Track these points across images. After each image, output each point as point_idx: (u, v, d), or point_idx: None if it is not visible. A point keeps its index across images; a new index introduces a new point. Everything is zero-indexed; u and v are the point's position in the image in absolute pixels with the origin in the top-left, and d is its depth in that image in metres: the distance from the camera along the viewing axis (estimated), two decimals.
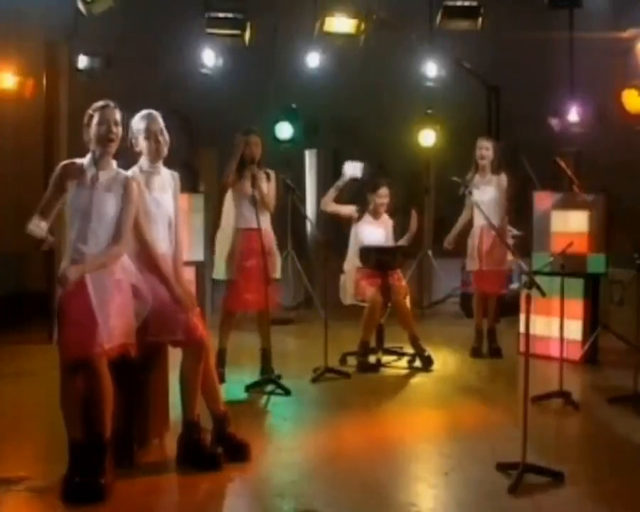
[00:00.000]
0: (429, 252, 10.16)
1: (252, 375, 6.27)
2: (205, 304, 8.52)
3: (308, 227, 9.98)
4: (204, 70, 8.76)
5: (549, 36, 9.14)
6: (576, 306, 6.83)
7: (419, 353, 6.80)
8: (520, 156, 6.91)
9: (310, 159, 10.50)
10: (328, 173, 10.49)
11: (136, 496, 3.98)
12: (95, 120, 4.10)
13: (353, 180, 7.02)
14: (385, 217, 7.13)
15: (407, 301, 7.00)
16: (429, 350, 6.88)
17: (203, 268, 8.71)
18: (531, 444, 4.12)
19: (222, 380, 6.15)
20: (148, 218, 4.41)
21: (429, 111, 9.67)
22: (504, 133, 9.52)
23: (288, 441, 4.93)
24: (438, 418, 5.59)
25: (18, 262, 8.82)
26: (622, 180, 8.24)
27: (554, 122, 9.29)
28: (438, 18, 8.39)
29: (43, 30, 8.29)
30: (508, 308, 7.89)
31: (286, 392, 5.88)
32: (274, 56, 9.27)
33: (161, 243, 4.46)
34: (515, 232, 7.27)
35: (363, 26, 8.50)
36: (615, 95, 8.39)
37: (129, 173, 4.38)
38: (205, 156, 9.72)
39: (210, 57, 8.72)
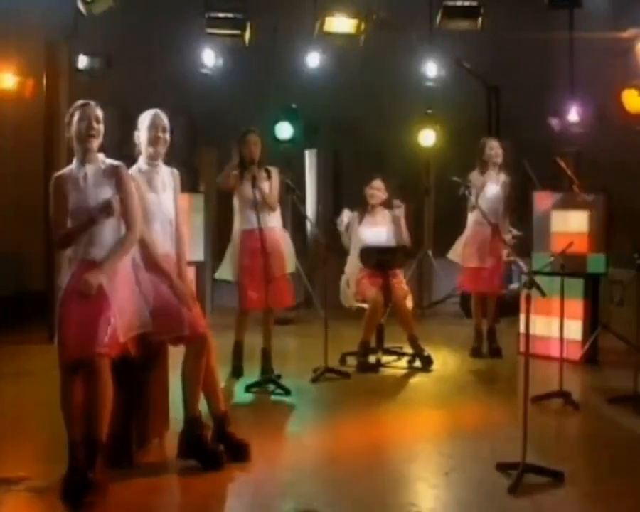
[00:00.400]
0: (429, 252, 10.16)
1: (252, 375, 6.27)
2: (205, 303, 8.52)
3: (308, 227, 9.97)
4: (204, 70, 8.76)
5: (549, 36, 9.15)
6: (576, 306, 6.83)
7: (419, 353, 6.80)
8: (520, 156, 6.91)
9: (310, 159, 10.49)
10: (328, 173, 10.51)
11: (136, 496, 3.99)
12: (76, 117, 4.11)
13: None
14: (384, 214, 7.07)
15: (409, 301, 6.99)
16: (429, 350, 6.87)
17: (203, 268, 8.72)
18: (531, 444, 4.12)
19: (240, 373, 6.32)
20: (147, 218, 4.41)
21: (429, 111, 9.67)
22: (504, 133, 9.51)
23: (288, 441, 4.93)
24: (438, 418, 5.59)
25: (18, 262, 8.83)
26: (622, 180, 8.24)
27: (554, 122, 9.29)
28: (438, 18, 8.39)
29: (43, 30, 8.29)
30: (508, 308, 7.89)
31: (286, 392, 5.88)
32: (274, 56, 9.28)
33: (162, 243, 4.47)
34: (515, 232, 7.27)
35: (363, 26, 8.51)
36: (615, 95, 8.40)
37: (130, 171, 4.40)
38: (205, 156, 9.73)
39: (210, 57, 8.73)
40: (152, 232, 4.46)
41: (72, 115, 4.14)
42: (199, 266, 8.55)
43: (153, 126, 4.50)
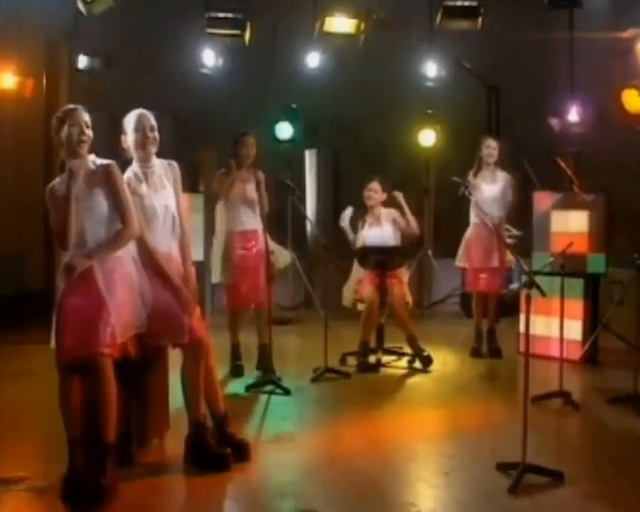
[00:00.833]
0: (429, 252, 10.16)
1: (252, 375, 6.28)
2: (205, 303, 8.51)
3: (308, 227, 9.98)
4: (204, 70, 8.76)
5: (549, 36, 9.15)
6: (576, 306, 6.83)
7: (418, 353, 6.80)
8: (520, 156, 6.91)
9: (310, 159, 10.50)
10: (328, 173, 10.51)
11: (136, 496, 3.99)
12: (67, 123, 4.07)
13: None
14: (384, 214, 7.08)
15: (409, 298, 6.99)
16: (429, 350, 6.87)
17: (202, 268, 8.71)
18: (531, 444, 4.12)
19: (241, 373, 6.40)
20: (148, 219, 4.39)
21: (429, 111, 9.67)
22: (504, 133, 9.51)
23: (288, 441, 4.93)
24: (438, 418, 5.59)
25: (18, 262, 8.83)
26: (622, 180, 8.24)
27: (554, 122, 9.29)
28: (438, 18, 8.39)
29: (43, 30, 8.29)
30: (508, 308, 7.89)
31: (286, 392, 5.88)
32: (274, 56, 9.28)
33: (163, 242, 4.42)
34: (514, 232, 7.26)
35: (362, 26, 8.51)
36: (615, 95, 8.39)
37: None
38: (205, 156, 9.72)
39: (210, 57, 8.73)
40: (154, 231, 4.41)
41: (61, 120, 4.09)
42: (199, 266, 8.53)
43: (140, 127, 4.41)
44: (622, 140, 8.42)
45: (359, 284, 6.91)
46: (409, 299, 7.02)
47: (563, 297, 5.71)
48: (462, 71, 9.81)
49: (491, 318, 7.37)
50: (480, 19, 8.27)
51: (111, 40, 8.70)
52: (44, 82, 8.00)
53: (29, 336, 7.53)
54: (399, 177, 10.07)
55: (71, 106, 4.17)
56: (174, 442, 4.55)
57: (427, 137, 9.67)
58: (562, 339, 5.74)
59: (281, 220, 9.08)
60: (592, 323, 6.99)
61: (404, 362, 6.96)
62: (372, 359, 6.88)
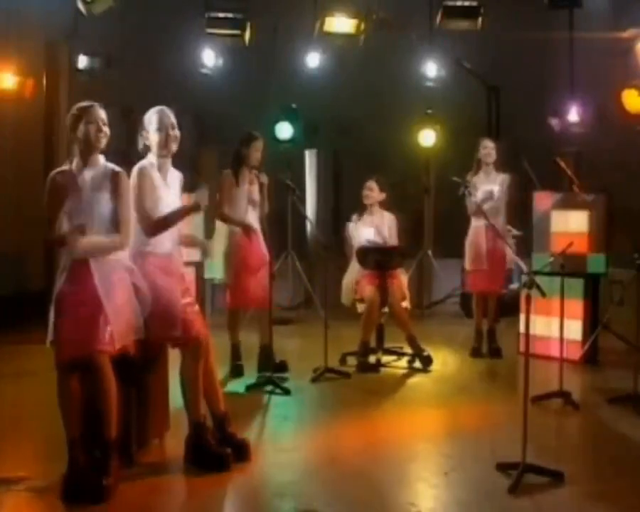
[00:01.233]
0: (429, 252, 10.16)
1: (252, 375, 6.28)
2: (205, 303, 8.51)
3: (308, 227, 9.98)
4: (204, 70, 8.77)
5: (549, 36, 9.15)
6: (576, 306, 6.83)
7: (418, 353, 6.80)
8: (520, 156, 6.91)
9: (310, 159, 10.50)
10: (328, 173, 10.52)
11: (136, 496, 3.99)
12: (84, 120, 4.07)
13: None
14: (379, 214, 7.07)
15: (407, 301, 7.00)
16: (429, 350, 6.87)
17: (203, 268, 8.71)
18: (531, 444, 4.12)
19: (242, 373, 6.40)
20: (157, 211, 4.39)
21: (429, 111, 9.67)
22: (504, 133, 9.52)
23: (288, 441, 4.93)
24: (438, 418, 5.59)
25: (18, 262, 8.83)
26: (622, 180, 8.24)
27: (554, 122, 9.29)
28: (438, 18, 8.39)
29: (43, 30, 8.29)
30: (508, 308, 7.88)
31: (286, 392, 5.88)
32: (274, 56, 9.28)
33: (165, 242, 4.45)
34: (514, 231, 7.27)
35: (362, 26, 8.51)
36: (615, 95, 8.39)
37: (140, 164, 4.40)
38: (205, 155, 9.73)
39: (210, 57, 8.73)
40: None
41: (77, 118, 4.09)
42: (199, 266, 8.55)
43: (163, 126, 4.43)
44: (622, 140, 8.42)
45: (358, 284, 6.91)
46: (408, 301, 7.02)
47: (563, 297, 5.71)
48: (462, 71, 9.81)
49: (491, 318, 7.37)
50: (480, 19, 8.28)
51: (111, 40, 8.70)
52: (44, 82, 8.00)
53: (29, 336, 7.50)
54: (399, 177, 10.10)
55: (87, 103, 4.15)
56: (174, 442, 4.55)
57: (427, 137, 9.67)
58: (562, 339, 5.74)
59: (281, 220, 9.08)
60: (592, 323, 6.99)
61: (404, 362, 6.96)
62: (372, 359, 6.88)
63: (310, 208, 10.25)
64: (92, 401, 3.98)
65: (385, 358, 6.98)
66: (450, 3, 8.33)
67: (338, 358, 6.83)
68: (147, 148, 4.49)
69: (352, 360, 6.87)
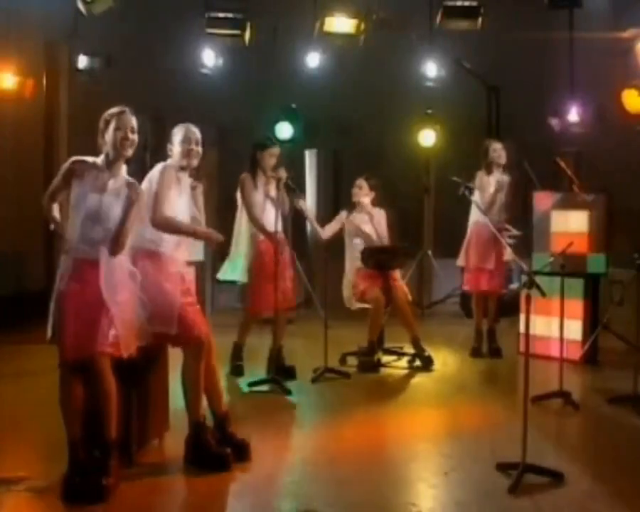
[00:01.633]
0: (429, 252, 10.16)
1: (253, 375, 6.28)
2: (205, 303, 8.51)
3: (308, 227, 9.97)
4: (204, 70, 8.76)
5: (549, 36, 9.15)
6: (576, 306, 6.83)
7: (420, 353, 6.80)
8: (521, 156, 6.91)
9: (310, 159, 10.49)
10: (328, 173, 10.51)
11: (136, 496, 3.99)
12: (112, 126, 4.08)
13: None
14: (371, 211, 7.06)
15: (409, 297, 7.02)
16: (429, 350, 6.87)
17: (203, 268, 8.71)
18: (531, 444, 4.12)
19: (242, 373, 6.39)
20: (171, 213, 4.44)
21: (429, 111, 9.68)
22: (504, 133, 9.52)
23: (288, 441, 4.93)
24: (438, 418, 5.59)
25: (18, 262, 8.83)
26: (622, 180, 8.24)
27: (554, 122, 9.29)
28: (438, 18, 8.39)
29: (43, 30, 8.30)
30: (508, 308, 7.89)
31: (287, 392, 5.88)
32: (274, 56, 9.27)
33: (166, 242, 4.47)
34: (514, 231, 7.27)
35: (362, 26, 8.50)
36: (615, 95, 8.39)
37: (164, 163, 4.49)
38: (205, 155, 9.71)
39: (210, 57, 8.73)
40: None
41: (107, 123, 4.10)
42: (199, 266, 8.55)
43: (186, 140, 4.55)
44: (622, 140, 8.42)
45: (356, 285, 6.89)
46: (410, 297, 7.04)
47: (563, 297, 5.71)
48: (462, 71, 9.81)
49: (491, 318, 7.38)
50: (480, 19, 8.27)
51: (111, 40, 8.70)
52: (44, 82, 8.01)
53: (29, 336, 7.51)
54: (399, 177, 10.11)
55: (119, 108, 4.16)
56: (174, 442, 4.55)
57: (427, 137, 9.67)
58: (562, 339, 5.74)
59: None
60: (592, 323, 6.99)
61: (404, 362, 6.97)
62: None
63: (310, 208, 10.23)
64: (93, 402, 3.98)
65: (385, 358, 6.98)
66: (450, 3, 8.32)
67: (338, 358, 6.84)
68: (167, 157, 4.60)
69: (352, 360, 6.88)
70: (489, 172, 7.21)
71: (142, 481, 4.15)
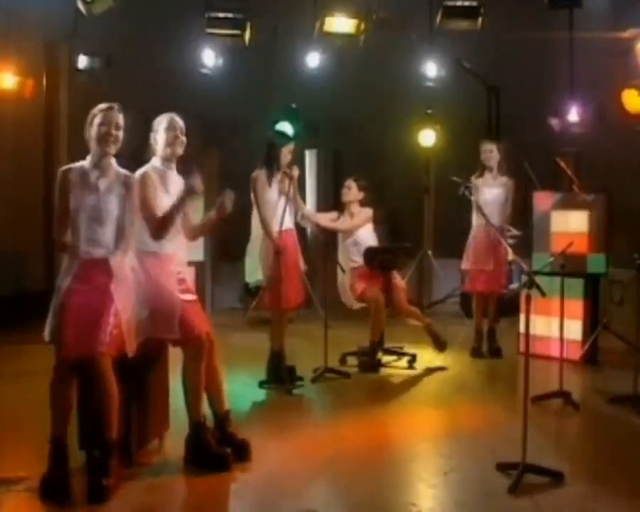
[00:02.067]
0: (429, 252, 10.16)
1: (252, 375, 6.28)
2: (205, 304, 8.51)
3: (308, 227, 9.97)
4: (204, 70, 8.76)
5: (549, 36, 9.14)
6: (576, 306, 6.83)
7: (435, 338, 6.96)
8: (521, 157, 6.91)
9: (310, 159, 10.49)
10: (328, 173, 10.51)
11: (136, 496, 3.99)
12: (97, 120, 4.10)
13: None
14: (356, 211, 7.03)
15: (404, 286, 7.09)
16: (429, 351, 6.88)
17: (203, 268, 8.71)
18: (531, 444, 4.12)
19: (282, 379, 6.10)
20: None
21: (429, 111, 9.67)
22: (504, 133, 9.51)
23: (288, 441, 4.92)
24: (438, 418, 5.59)
25: (18, 262, 8.83)
26: (622, 180, 8.23)
27: (554, 122, 9.28)
28: (438, 18, 8.39)
29: (43, 30, 8.30)
30: (508, 308, 7.89)
31: (288, 392, 5.89)
32: (274, 56, 9.27)
33: (168, 244, 4.45)
34: (514, 232, 7.28)
35: (362, 26, 8.50)
36: (615, 95, 8.38)
37: (142, 170, 4.42)
38: (205, 155, 9.71)
39: (210, 57, 8.73)
40: None
41: (93, 117, 4.12)
42: (199, 266, 8.56)
43: (171, 127, 4.50)
44: (622, 140, 8.41)
45: (354, 283, 6.89)
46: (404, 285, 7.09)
47: (563, 297, 5.71)
48: (462, 71, 9.81)
49: (491, 318, 7.38)
50: (480, 19, 8.27)
51: (111, 40, 8.69)
52: (44, 82, 8.01)
53: (29, 336, 7.50)
54: (399, 177, 10.11)
55: (106, 104, 4.16)
56: (174, 442, 4.55)
57: (427, 137, 9.67)
58: (562, 339, 5.74)
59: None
60: (592, 323, 6.99)
61: (404, 362, 6.97)
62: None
63: (310, 208, 10.23)
64: (94, 402, 3.98)
65: (385, 358, 6.98)
66: (450, 3, 8.32)
67: (338, 358, 6.84)
68: (152, 152, 4.53)
69: (352, 360, 6.88)
70: (481, 172, 7.22)
71: (142, 481, 4.16)
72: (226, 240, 9.62)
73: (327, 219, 7.11)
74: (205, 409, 4.47)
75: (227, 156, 9.51)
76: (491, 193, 7.16)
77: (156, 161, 4.53)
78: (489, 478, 4.18)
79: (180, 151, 4.55)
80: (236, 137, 9.26)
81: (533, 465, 4.09)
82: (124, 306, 4.05)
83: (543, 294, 4.11)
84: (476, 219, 7.22)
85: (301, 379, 6.20)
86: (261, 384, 6.07)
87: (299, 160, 10.15)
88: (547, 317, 6.75)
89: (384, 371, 6.80)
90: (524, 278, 4.52)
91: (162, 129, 4.50)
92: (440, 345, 7.00)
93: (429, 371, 6.73)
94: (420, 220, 10.36)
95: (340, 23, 8.51)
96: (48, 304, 4.08)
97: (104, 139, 4.09)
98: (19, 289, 8.66)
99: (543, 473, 4.12)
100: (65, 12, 7.89)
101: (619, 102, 8.35)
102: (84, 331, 3.92)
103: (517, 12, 8.88)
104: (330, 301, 6.75)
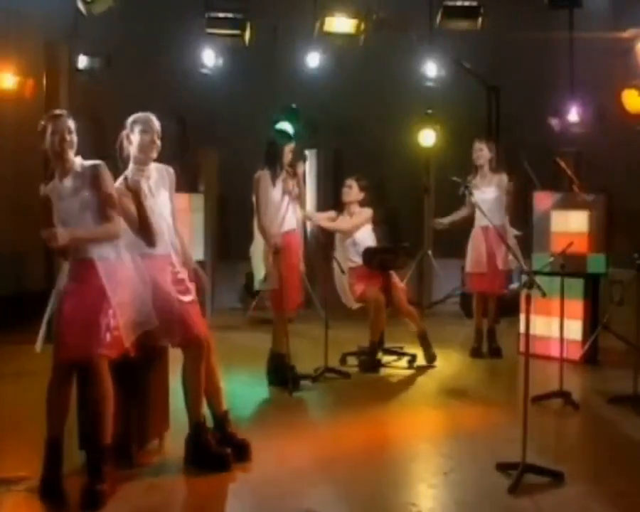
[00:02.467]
0: (429, 252, 10.16)
1: (252, 375, 6.28)
2: (205, 304, 8.50)
3: (308, 227, 9.97)
4: (204, 70, 8.76)
5: (549, 36, 9.14)
6: (576, 306, 6.83)
7: (425, 348, 6.86)
8: (521, 157, 6.91)
9: (310, 159, 10.48)
10: (328, 173, 10.51)
11: (136, 496, 3.99)
12: (49, 130, 4.05)
13: None
14: (356, 211, 7.03)
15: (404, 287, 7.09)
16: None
17: (203, 268, 8.69)
18: (531, 444, 4.12)
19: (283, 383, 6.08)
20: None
21: (429, 111, 9.67)
22: (504, 133, 9.52)
23: (288, 441, 4.92)
24: (438, 418, 5.59)
25: (17, 262, 8.83)
26: (622, 180, 8.24)
27: (554, 122, 9.29)
28: (438, 18, 8.39)
29: (43, 30, 8.28)
30: (508, 308, 7.89)
31: (289, 391, 5.89)
32: (274, 56, 9.27)
33: (159, 246, 4.41)
34: (514, 232, 7.27)
35: (362, 26, 8.50)
36: (615, 95, 8.38)
37: (118, 182, 4.33)
38: (205, 155, 9.73)
39: (210, 57, 8.73)
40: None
41: (44, 128, 4.07)
42: (199, 266, 8.54)
43: (148, 130, 4.38)
44: (622, 140, 8.41)
45: (353, 283, 6.89)
46: (404, 286, 7.07)
47: (563, 297, 5.71)
48: (462, 71, 9.81)
49: (491, 319, 7.38)
50: (480, 19, 8.27)
51: (111, 40, 8.70)
52: (44, 82, 7.99)
53: (29, 336, 7.50)
54: (399, 177, 10.10)
55: (55, 112, 4.14)
56: (174, 442, 4.55)
57: (427, 137, 9.68)
58: (562, 339, 5.74)
59: None
60: (592, 323, 6.99)
61: (404, 362, 6.97)
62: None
63: (310, 208, 10.23)
64: (89, 404, 3.98)
65: (385, 358, 6.98)
66: (450, 3, 8.32)
67: (338, 358, 6.84)
68: (126, 156, 4.43)
69: (352, 360, 6.88)
70: (475, 172, 7.21)
71: (142, 481, 4.16)
72: (226, 240, 9.63)
73: (326, 218, 7.10)
74: (205, 409, 4.47)
75: (227, 156, 9.50)
76: (487, 192, 7.14)
77: (131, 168, 4.41)
78: (489, 478, 4.18)
79: (154, 155, 4.43)
80: (236, 137, 9.25)
81: (533, 465, 4.09)
82: (122, 307, 4.04)
83: (543, 294, 4.11)
84: (477, 220, 7.21)
85: (306, 378, 6.17)
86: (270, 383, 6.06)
87: (298, 160, 10.20)
88: (547, 317, 6.75)
89: (384, 371, 6.80)
90: (524, 278, 4.52)
91: (138, 131, 4.39)
92: (430, 357, 6.89)
93: (429, 371, 6.73)
94: (420, 220, 10.35)
95: (340, 23, 8.51)
96: (48, 304, 4.08)
97: (59, 147, 4.03)
98: (19, 289, 8.65)
99: (543, 473, 4.12)
100: (65, 12, 7.89)
101: (619, 102, 8.35)
102: (80, 333, 3.91)
103: (517, 12, 8.88)
104: (330, 302, 6.74)
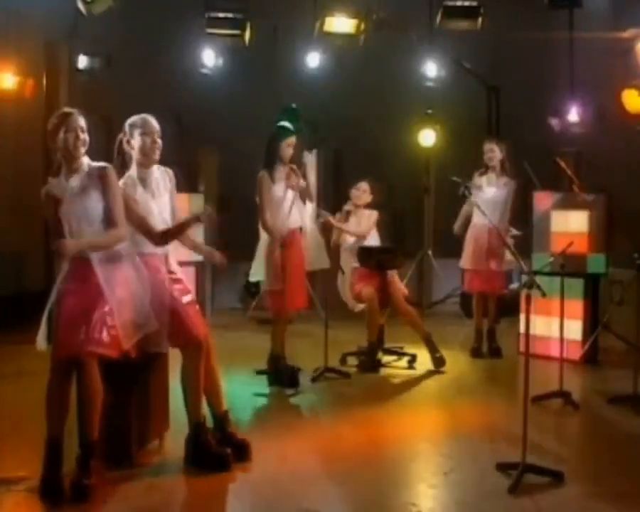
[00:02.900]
0: (429, 252, 10.16)
1: (252, 375, 6.27)
2: (205, 304, 8.51)
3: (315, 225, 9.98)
4: (204, 70, 8.77)
5: (549, 36, 9.15)
6: (576, 306, 6.83)
7: (431, 353, 6.77)
8: (521, 156, 6.91)
9: (310, 159, 10.48)
10: (328, 173, 10.50)
11: (136, 496, 3.98)
12: (63, 128, 4.05)
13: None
14: (365, 213, 7.03)
15: (406, 294, 7.05)
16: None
17: (202, 268, 8.70)
18: (531, 444, 4.12)
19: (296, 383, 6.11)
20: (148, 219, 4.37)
21: (429, 111, 9.68)
22: (504, 133, 9.51)
23: (288, 441, 4.92)
24: (438, 418, 5.59)
25: (17, 262, 8.82)
26: (622, 180, 8.24)
27: (554, 122, 9.29)
28: (438, 18, 8.39)
29: (43, 30, 8.29)
30: (508, 308, 7.89)
31: (290, 392, 5.90)
32: (274, 56, 9.27)
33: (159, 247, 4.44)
34: (514, 231, 7.27)
35: (362, 26, 8.51)
36: (615, 95, 8.39)
37: (121, 182, 4.33)
38: (205, 155, 9.73)
39: (210, 57, 8.73)
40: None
41: (57, 126, 4.07)
42: (199, 266, 8.55)
43: (148, 132, 4.38)
44: (622, 140, 8.42)
45: (353, 286, 6.89)
46: (406, 291, 7.05)
47: (563, 297, 5.71)
48: (462, 71, 9.81)
49: (491, 319, 7.38)
50: (480, 19, 8.28)
51: (111, 40, 8.70)
52: (44, 82, 8.00)
53: (29, 336, 7.49)
54: (399, 177, 10.10)
55: (66, 110, 4.15)
56: (174, 442, 4.55)
57: (427, 137, 9.68)
58: (562, 339, 5.74)
59: None
60: (592, 323, 6.99)
61: (404, 362, 6.96)
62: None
63: (310, 208, 10.23)
64: (77, 401, 3.98)
65: (385, 358, 6.98)
66: (450, 3, 8.32)
67: (338, 358, 6.83)
68: (128, 159, 4.43)
69: (352, 360, 6.88)
70: (484, 172, 7.21)
71: (142, 481, 4.15)
72: (226, 240, 9.62)
73: (337, 221, 7.04)
74: (205, 409, 4.47)
75: (227, 155, 9.50)
76: (491, 191, 7.15)
77: (133, 170, 4.42)
78: (489, 478, 4.18)
79: (157, 156, 4.42)
80: (236, 137, 9.25)
81: (533, 465, 4.09)
82: (121, 306, 4.04)
83: (543, 294, 4.11)
84: (475, 218, 7.20)
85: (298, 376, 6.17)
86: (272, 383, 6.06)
87: (298, 160, 10.20)
88: (547, 317, 6.75)
89: (384, 371, 6.80)
90: (524, 278, 4.52)
91: (137, 134, 4.38)
92: (436, 361, 6.72)
93: (429, 371, 6.73)
94: (420, 220, 10.36)
95: (340, 23, 8.51)
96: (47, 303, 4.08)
97: (73, 145, 4.04)
98: (19, 289, 8.65)
99: (543, 473, 4.12)
100: (65, 12, 7.89)
101: (619, 102, 8.36)
102: (73, 331, 3.92)
103: (517, 12, 8.89)
104: (330, 302, 6.74)
